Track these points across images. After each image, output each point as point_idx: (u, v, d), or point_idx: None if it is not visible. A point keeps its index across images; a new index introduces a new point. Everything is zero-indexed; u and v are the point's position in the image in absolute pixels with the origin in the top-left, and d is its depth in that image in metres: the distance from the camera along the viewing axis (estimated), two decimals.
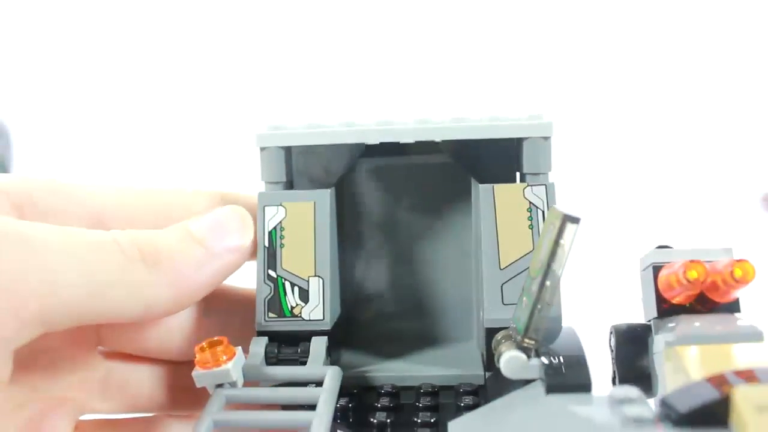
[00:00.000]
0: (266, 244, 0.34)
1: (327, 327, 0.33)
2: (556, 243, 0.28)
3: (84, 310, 0.29)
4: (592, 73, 1.01)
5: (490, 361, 0.32)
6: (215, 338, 0.30)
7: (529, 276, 0.30)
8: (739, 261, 0.29)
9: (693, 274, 0.30)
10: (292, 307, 0.34)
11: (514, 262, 0.34)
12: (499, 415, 0.28)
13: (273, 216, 0.35)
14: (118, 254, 0.31)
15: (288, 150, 0.35)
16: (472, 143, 0.35)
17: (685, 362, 0.28)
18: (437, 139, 0.34)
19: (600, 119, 0.99)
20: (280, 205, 0.35)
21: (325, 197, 0.35)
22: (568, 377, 0.28)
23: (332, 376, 0.30)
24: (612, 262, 0.54)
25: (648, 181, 0.94)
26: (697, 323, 0.30)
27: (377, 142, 0.34)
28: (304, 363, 0.32)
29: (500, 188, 0.34)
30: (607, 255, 0.66)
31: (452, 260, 0.39)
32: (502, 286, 0.33)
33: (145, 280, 0.31)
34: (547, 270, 0.28)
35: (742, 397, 0.23)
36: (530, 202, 0.34)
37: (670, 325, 0.31)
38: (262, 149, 0.35)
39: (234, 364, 0.29)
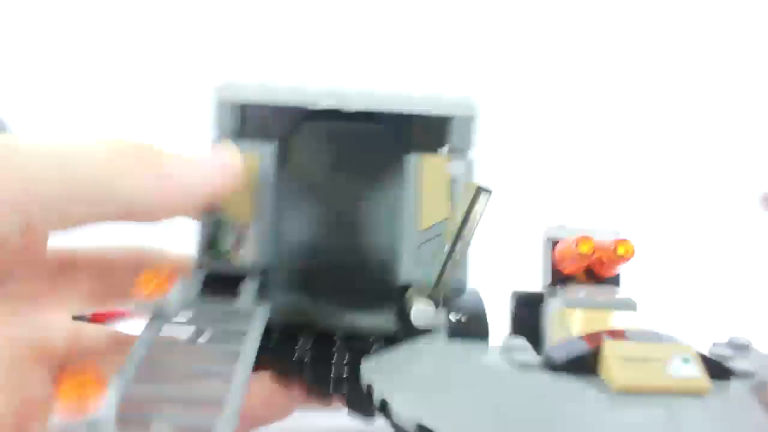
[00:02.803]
0: None
1: (258, 270, 0.37)
2: (469, 210, 0.32)
3: (65, 207, 0.30)
4: (588, 72, 1.00)
5: (401, 314, 0.36)
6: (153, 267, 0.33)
7: (443, 240, 0.34)
8: (622, 240, 0.34)
9: (584, 248, 0.34)
10: (227, 250, 0.37)
11: (431, 226, 0.37)
12: (406, 356, 0.32)
13: None
14: (103, 148, 0.31)
15: (243, 106, 0.38)
16: (407, 116, 0.38)
17: (568, 322, 0.32)
18: (378, 110, 0.38)
19: (600, 119, 0.99)
20: None
21: (269, 150, 0.38)
22: (468, 327, 0.32)
23: (261, 313, 0.33)
24: None
25: (648, 181, 0.93)
26: (582, 292, 0.35)
27: (326, 108, 0.38)
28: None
29: (427, 158, 0.38)
30: None
31: (381, 222, 0.42)
32: (419, 247, 0.37)
33: (132, 171, 0.31)
34: (459, 233, 0.32)
35: (610, 349, 0.28)
36: (452, 174, 0.38)
37: (561, 291, 0.35)
38: (220, 102, 0.38)
39: (175, 295, 0.32)
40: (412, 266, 0.37)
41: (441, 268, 0.32)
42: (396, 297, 0.38)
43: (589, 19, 1.02)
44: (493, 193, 0.32)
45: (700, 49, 0.99)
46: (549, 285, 0.36)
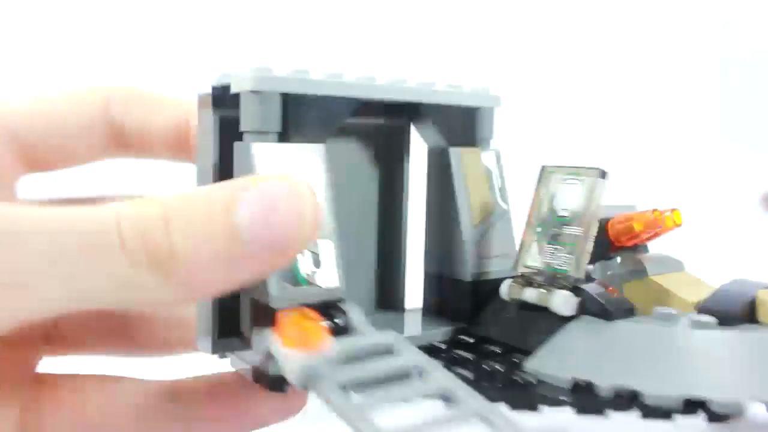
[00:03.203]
0: None
1: (343, 295, 0.31)
2: (589, 196, 0.31)
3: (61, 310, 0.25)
4: (587, 71, 1.00)
5: (476, 311, 0.34)
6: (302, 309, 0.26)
7: (539, 228, 0.33)
8: (676, 210, 0.36)
9: (638, 226, 0.36)
10: (307, 275, 0.30)
11: (482, 220, 0.36)
12: (581, 346, 0.30)
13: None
14: (118, 255, 0.24)
15: (285, 96, 0.31)
16: (434, 107, 0.35)
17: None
18: (414, 100, 0.35)
19: (599, 119, 0.97)
20: None
21: (321, 153, 0.32)
22: (619, 305, 0.31)
23: (404, 341, 0.28)
24: None
25: (648, 180, 0.91)
26: (651, 258, 0.37)
27: (372, 98, 0.33)
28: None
29: (465, 152, 0.36)
30: None
31: (421, 222, 0.39)
32: (477, 243, 0.35)
33: (148, 286, 0.25)
34: (583, 219, 0.32)
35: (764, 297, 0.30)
36: (485, 166, 0.36)
37: (617, 263, 0.37)
38: (255, 92, 0.30)
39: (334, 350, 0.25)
40: (477, 263, 0.35)
41: (580, 255, 0.31)
42: (465, 297, 0.35)
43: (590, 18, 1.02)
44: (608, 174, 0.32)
45: (700, 49, 1.03)
46: (601, 260, 0.37)
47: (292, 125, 0.31)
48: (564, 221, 0.33)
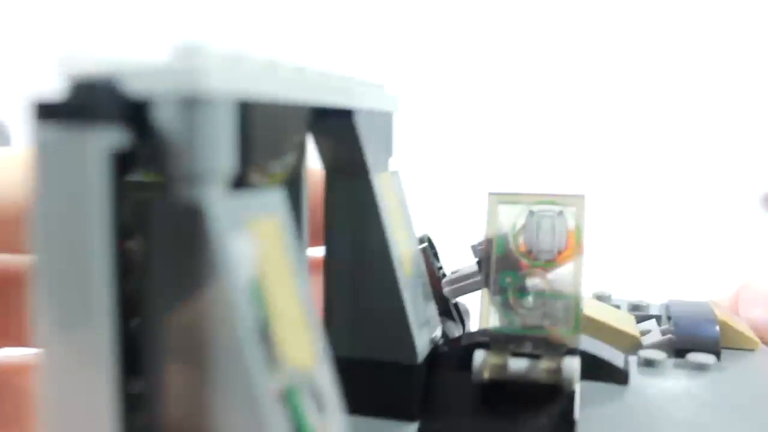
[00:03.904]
0: None
1: None
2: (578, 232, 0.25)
3: None
4: (586, 70, 0.98)
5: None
6: None
7: (508, 278, 0.25)
8: None
9: None
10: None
11: (412, 270, 0.26)
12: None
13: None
14: None
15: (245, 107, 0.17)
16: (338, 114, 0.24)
17: None
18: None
19: (598, 117, 0.95)
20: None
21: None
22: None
23: None
24: None
25: (649, 180, 0.90)
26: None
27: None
28: None
29: (383, 178, 0.25)
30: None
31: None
32: (414, 304, 0.26)
33: None
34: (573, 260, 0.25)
35: None
36: (398, 193, 0.27)
37: None
38: (206, 101, 0.16)
39: None
40: (419, 330, 0.26)
41: (576, 305, 0.24)
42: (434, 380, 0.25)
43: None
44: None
45: (699, 50, 0.97)
46: None
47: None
48: (543, 265, 0.26)
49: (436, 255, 0.31)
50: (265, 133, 0.18)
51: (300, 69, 0.19)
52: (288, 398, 0.17)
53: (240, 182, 0.17)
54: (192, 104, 0.15)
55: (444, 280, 0.30)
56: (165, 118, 0.16)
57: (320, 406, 0.18)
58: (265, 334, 0.16)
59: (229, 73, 0.16)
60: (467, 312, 0.32)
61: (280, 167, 0.20)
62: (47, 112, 0.15)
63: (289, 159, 0.20)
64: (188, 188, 0.16)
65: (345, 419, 0.19)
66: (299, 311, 0.18)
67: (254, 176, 0.19)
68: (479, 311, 0.26)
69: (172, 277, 0.16)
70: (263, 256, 0.17)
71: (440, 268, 0.31)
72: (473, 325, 0.31)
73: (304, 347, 0.18)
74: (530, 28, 1.02)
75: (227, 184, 0.16)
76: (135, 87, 0.15)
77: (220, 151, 0.16)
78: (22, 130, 0.16)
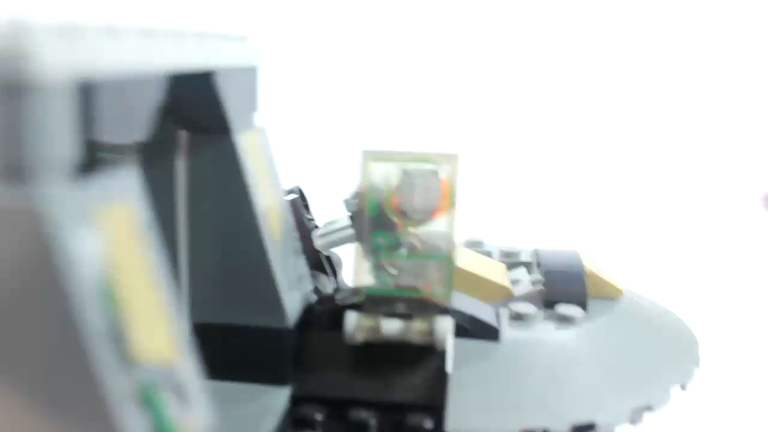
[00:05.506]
0: None
1: None
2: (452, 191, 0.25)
3: None
4: (589, 73, 0.98)
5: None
6: None
7: (379, 237, 0.24)
8: None
9: None
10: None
11: (280, 232, 0.25)
12: (497, 384, 0.23)
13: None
14: None
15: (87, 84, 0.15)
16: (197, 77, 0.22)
17: None
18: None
19: (601, 120, 0.96)
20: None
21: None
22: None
23: None
24: None
25: (649, 180, 0.90)
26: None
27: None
28: None
29: (248, 135, 0.24)
30: None
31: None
32: (284, 267, 0.25)
33: None
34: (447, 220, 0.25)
35: None
36: (264, 152, 0.25)
37: None
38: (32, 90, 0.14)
39: None
40: (290, 294, 0.25)
41: (449, 267, 0.24)
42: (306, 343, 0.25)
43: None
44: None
45: (699, 49, 0.97)
46: None
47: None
48: (415, 224, 0.25)
49: (306, 207, 0.30)
50: (115, 109, 0.16)
51: (148, 32, 0.17)
52: (145, 397, 0.16)
53: (89, 166, 0.16)
54: (17, 92, 0.13)
55: (316, 233, 0.29)
56: None
57: (183, 400, 0.17)
58: (116, 334, 0.15)
59: (64, 49, 0.14)
60: (340, 263, 0.31)
61: (135, 142, 0.18)
62: None
63: (145, 131, 0.18)
64: (15, 185, 0.14)
65: (210, 410, 0.18)
66: (157, 302, 0.17)
67: (106, 156, 0.17)
68: (352, 267, 0.25)
69: (2, 285, 0.14)
70: (115, 248, 0.15)
71: (311, 219, 0.30)
72: (346, 277, 0.31)
73: (163, 341, 0.17)
74: None
75: (69, 174, 0.15)
76: None
77: (55, 139, 0.14)
78: None
